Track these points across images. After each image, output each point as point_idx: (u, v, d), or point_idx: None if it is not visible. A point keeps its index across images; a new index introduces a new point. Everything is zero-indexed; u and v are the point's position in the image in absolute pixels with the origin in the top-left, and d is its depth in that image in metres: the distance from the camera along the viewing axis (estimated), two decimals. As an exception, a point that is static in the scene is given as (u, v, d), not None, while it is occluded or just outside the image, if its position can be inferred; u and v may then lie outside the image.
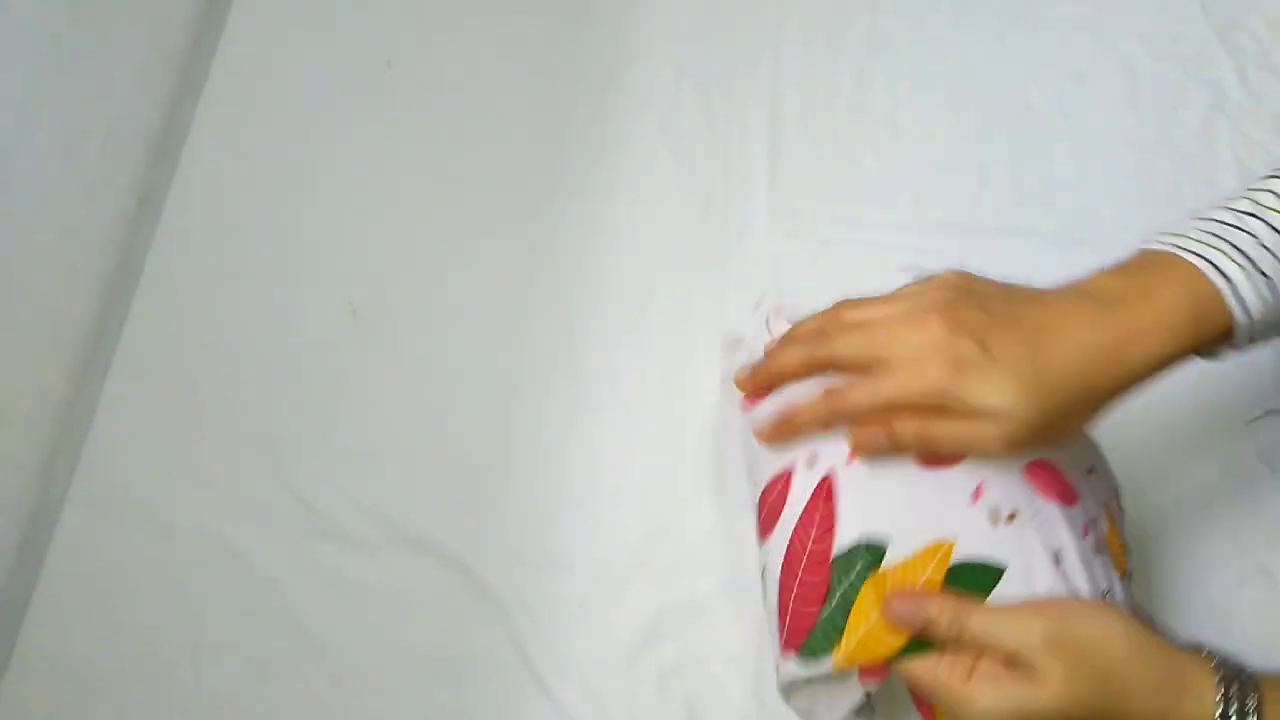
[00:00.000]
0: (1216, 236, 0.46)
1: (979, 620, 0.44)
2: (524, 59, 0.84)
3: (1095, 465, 0.53)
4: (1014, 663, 0.43)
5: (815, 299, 0.73)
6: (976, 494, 0.48)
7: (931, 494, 0.48)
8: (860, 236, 0.75)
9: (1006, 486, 0.48)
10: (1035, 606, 0.45)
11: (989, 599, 0.46)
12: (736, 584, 0.66)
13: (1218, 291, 0.45)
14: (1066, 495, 0.49)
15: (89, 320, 0.76)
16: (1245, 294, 0.45)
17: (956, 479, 0.48)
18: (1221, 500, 0.64)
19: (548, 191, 0.79)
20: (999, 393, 0.44)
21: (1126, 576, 0.51)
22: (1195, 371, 0.65)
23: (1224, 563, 0.63)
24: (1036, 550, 0.47)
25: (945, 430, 0.46)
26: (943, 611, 0.45)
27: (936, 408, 0.46)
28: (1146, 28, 0.79)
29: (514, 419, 0.71)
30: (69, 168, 0.74)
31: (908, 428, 0.47)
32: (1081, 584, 0.46)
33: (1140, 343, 0.45)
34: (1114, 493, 0.54)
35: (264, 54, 0.85)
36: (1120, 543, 0.51)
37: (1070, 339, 0.45)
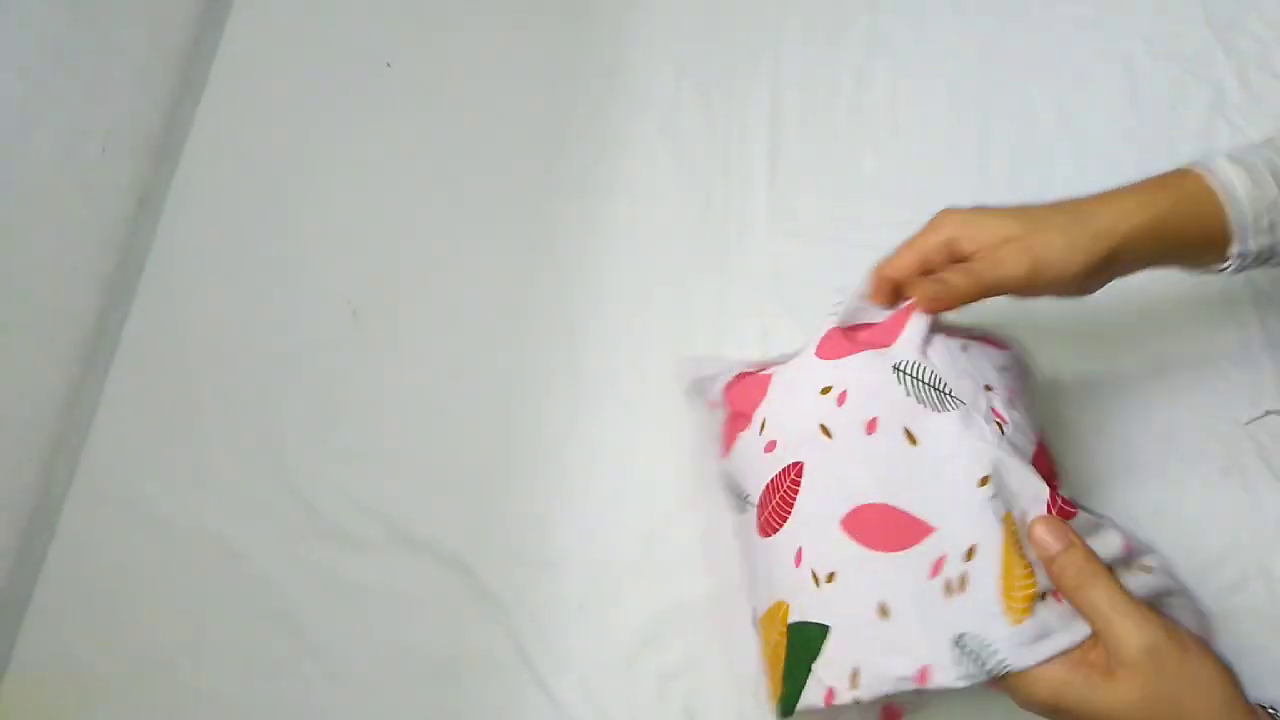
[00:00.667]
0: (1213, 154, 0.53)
1: (1099, 591, 0.44)
2: (524, 59, 0.84)
3: (991, 473, 0.47)
4: (1101, 649, 0.44)
5: (815, 299, 0.74)
6: (798, 558, 0.48)
7: (768, 560, 0.51)
8: (860, 236, 0.74)
9: (824, 546, 0.48)
10: (1156, 617, 0.44)
11: (818, 659, 0.46)
12: (736, 583, 0.66)
13: (1200, 175, 0.52)
14: (902, 538, 0.47)
15: (89, 320, 0.76)
16: (1227, 176, 0.51)
17: (783, 545, 0.50)
18: (1222, 500, 0.64)
19: (548, 191, 0.79)
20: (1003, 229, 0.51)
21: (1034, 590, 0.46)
22: (1195, 372, 0.65)
23: (1224, 563, 0.63)
24: (857, 607, 0.46)
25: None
26: (1069, 564, 0.45)
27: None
28: (1146, 28, 0.79)
29: (514, 419, 0.71)
30: (69, 168, 0.74)
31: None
32: (916, 634, 0.45)
33: (1115, 211, 0.51)
34: (1037, 498, 0.48)
35: (264, 54, 0.86)
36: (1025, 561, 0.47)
37: (1061, 208, 0.52)
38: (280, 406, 0.73)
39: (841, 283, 0.74)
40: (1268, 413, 0.64)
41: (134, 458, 0.72)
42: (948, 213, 0.54)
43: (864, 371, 0.50)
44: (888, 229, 0.74)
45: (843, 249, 0.74)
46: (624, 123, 0.81)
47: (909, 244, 0.54)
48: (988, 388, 0.50)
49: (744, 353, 0.71)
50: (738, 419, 0.56)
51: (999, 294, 0.51)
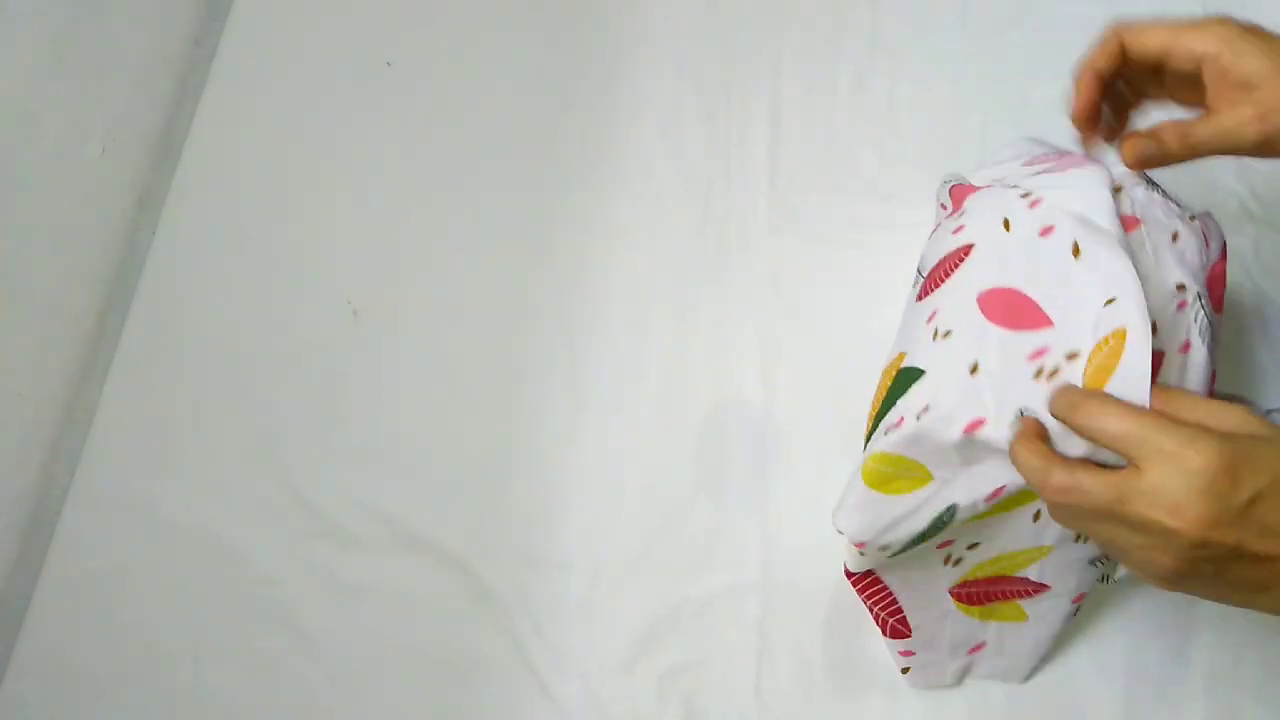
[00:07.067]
0: None
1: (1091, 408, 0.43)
2: (524, 59, 0.84)
3: (1118, 295, 0.50)
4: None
5: (815, 299, 0.74)
6: (930, 317, 0.54)
7: (910, 319, 0.56)
8: (860, 237, 0.75)
9: (953, 311, 0.53)
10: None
11: (904, 395, 0.52)
12: (736, 584, 0.66)
13: None
14: (1022, 320, 0.50)
15: (89, 320, 0.76)
16: None
17: (925, 307, 0.55)
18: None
19: (548, 191, 0.79)
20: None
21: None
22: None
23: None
24: (954, 360, 0.51)
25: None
26: (1057, 397, 0.46)
27: None
28: (1146, 28, 0.79)
29: (514, 419, 0.71)
30: (69, 168, 0.74)
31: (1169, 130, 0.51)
32: (991, 394, 0.49)
33: None
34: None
35: (264, 54, 0.86)
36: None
37: None
38: (280, 406, 0.73)
39: (841, 283, 0.75)
40: (1268, 413, 0.64)
41: (134, 458, 0.72)
42: (1223, 23, 0.49)
43: (1066, 190, 0.54)
44: (888, 229, 0.75)
45: (843, 249, 0.75)
46: (624, 123, 0.81)
47: (1162, 34, 0.50)
48: (1174, 236, 0.54)
49: (744, 353, 0.72)
50: (953, 208, 0.60)
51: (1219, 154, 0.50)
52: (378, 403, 0.73)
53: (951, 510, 0.51)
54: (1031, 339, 0.50)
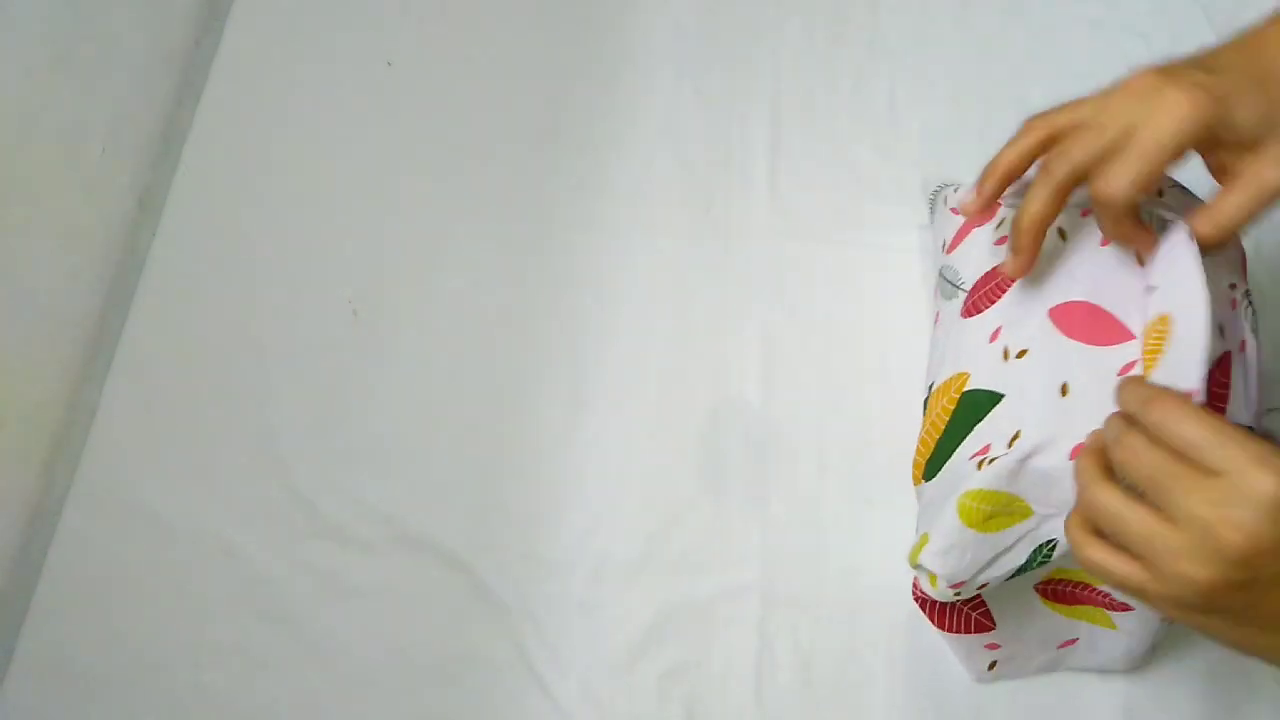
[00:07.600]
0: None
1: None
2: (524, 59, 0.84)
3: (1161, 284, 0.48)
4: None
5: (815, 299, 0.74)
6: (994, 335, 0.52)
7: (961, 338, 0.54)
8: (860, 237, 0.75)
9: (1024, 328, 0.51)
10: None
11: (982, 421, 0.50)
12: (736, 584, 0.66)
13: None
14: (1104, 335, 0.49)
15: (89, 320, 0.76)
16: None
17: (982, 324, 0.53)
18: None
19: (548, 191, 0.79)
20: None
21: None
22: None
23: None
24: (1039, 381, 0.49)
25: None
26: (1128, 391, 0.43)
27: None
28: (1146, 28, 0.79)
29: (514, 419, 0.71)
30: (70, 168, 0.74)
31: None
32: (1089, 415, 0.46)
33: None
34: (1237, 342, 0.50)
35: (264, 54, 0.86)
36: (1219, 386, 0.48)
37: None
38: (280, 406, 0.73)
39: (841, 282, 0.75)
40: (1268, 411, 0.64)
41: (134, 458, 0.72)
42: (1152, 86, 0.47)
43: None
44: (888, 229, 0.75)
45: (843, 249, 0.75)
46: (624, 123, 0.81)
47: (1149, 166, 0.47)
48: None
49: (744, 353, 0.72)
50: (978, 217, 0.58)
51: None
52: (378, 403, 0.73)
53: (1052, 545, 0.49)
54: (1117, 354, 0.48)
